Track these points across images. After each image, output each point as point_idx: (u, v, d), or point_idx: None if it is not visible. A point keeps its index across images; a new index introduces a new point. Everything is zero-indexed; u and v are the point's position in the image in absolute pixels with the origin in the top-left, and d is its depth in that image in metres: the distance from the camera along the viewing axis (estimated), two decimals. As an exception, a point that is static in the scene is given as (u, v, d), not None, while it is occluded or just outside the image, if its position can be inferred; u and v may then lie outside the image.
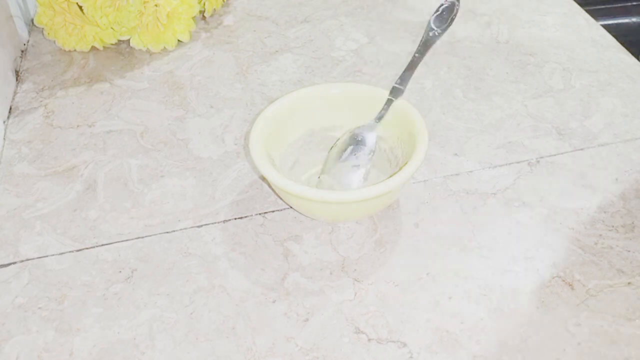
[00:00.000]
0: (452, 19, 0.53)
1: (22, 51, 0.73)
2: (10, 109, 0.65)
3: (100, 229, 0.53)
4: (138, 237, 0.52)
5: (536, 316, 0.45)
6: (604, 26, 0.72)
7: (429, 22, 0.53)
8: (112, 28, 0.70)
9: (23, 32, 0.74)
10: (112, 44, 0.72)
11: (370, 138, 0.53)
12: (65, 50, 0.72)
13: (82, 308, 0.47)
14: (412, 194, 0.54)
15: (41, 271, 0.50)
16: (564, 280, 0.47)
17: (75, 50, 0.72)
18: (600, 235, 0.50)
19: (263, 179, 0.56)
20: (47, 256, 0.51)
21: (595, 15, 0.76)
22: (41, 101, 0.66)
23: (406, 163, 0.48)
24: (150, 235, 0.52)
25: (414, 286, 0.47)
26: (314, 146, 0.56)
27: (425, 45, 0.53)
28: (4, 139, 0.62)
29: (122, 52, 0.72)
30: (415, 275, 0.48)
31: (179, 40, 0.72)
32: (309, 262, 0.49)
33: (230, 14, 0.77)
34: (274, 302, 0.47)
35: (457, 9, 0.52)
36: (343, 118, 0.55)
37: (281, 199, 0.54)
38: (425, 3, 0.78)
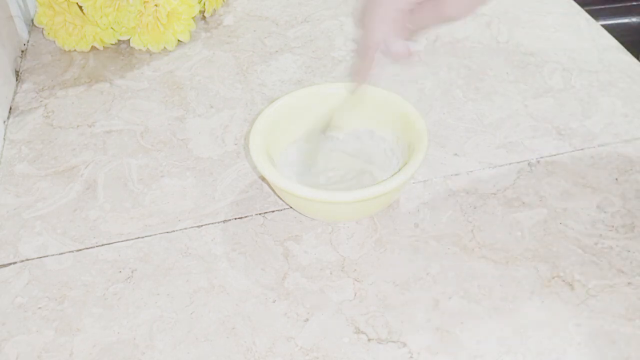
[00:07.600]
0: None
1: (22, 51, 0.73)
2: (10, 109, 0.65)
3: (100, 229, 0.53)
4: (138, 237, 0.52)
5: (536, 316, 0.45)
6: (604, 26, 0.72)
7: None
8: (112, 28, 0.70)
9: (23, 32, 0.74)
10: (112, 44, 0.72)
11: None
12: (65, 50, 0.72)
13: (82, 308, 0.47)
14: (412, 194, 0.54)
15: (41, 271, 0.50)
16: (564, 280, 0.47)
17: (75, 50, 0.72)
18: (600, 235, 0.50)
19: (263, 179, 0.56)
20: (47, 256, 0.51)
21: (595, 15, 0.76)
22: (41, 101, 0.66)
23: (406, 163, 0.48)
24: (150, 235, 0.52)
25: (414, 286, 0.47)
26: (314, 146, 0.56)
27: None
28: (4, 139, 0.62)
29: (122, 52, 0.72)
30: (415, 275, 0.48)
31: (179, 40, 0.72)
32: (309, 262, 0.49)
33: (230, 14, 0.77)
34: (274, 302, 0.47)
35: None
36: (343, 118, 0.55)
37: (281, 199, 0.54)
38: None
